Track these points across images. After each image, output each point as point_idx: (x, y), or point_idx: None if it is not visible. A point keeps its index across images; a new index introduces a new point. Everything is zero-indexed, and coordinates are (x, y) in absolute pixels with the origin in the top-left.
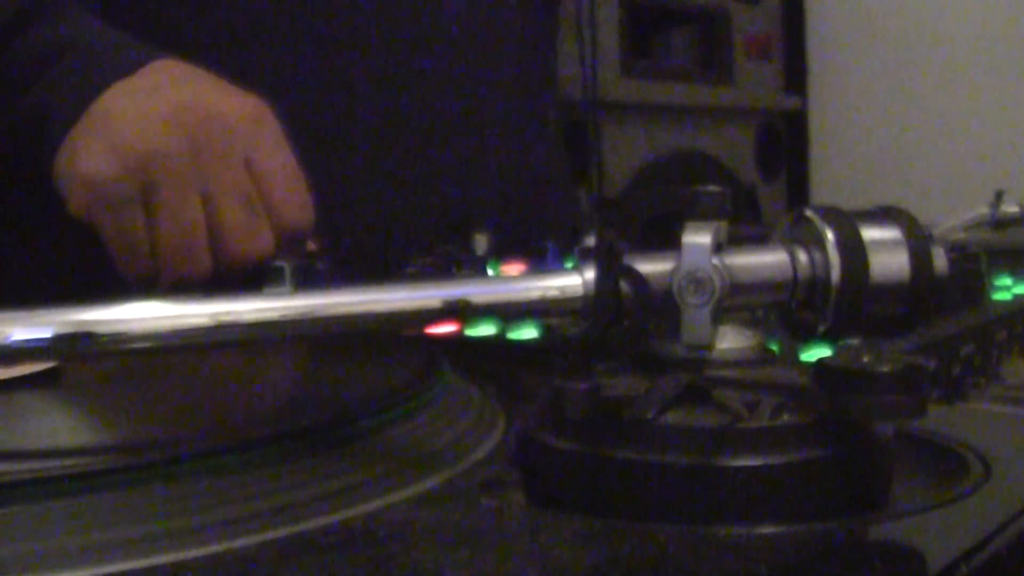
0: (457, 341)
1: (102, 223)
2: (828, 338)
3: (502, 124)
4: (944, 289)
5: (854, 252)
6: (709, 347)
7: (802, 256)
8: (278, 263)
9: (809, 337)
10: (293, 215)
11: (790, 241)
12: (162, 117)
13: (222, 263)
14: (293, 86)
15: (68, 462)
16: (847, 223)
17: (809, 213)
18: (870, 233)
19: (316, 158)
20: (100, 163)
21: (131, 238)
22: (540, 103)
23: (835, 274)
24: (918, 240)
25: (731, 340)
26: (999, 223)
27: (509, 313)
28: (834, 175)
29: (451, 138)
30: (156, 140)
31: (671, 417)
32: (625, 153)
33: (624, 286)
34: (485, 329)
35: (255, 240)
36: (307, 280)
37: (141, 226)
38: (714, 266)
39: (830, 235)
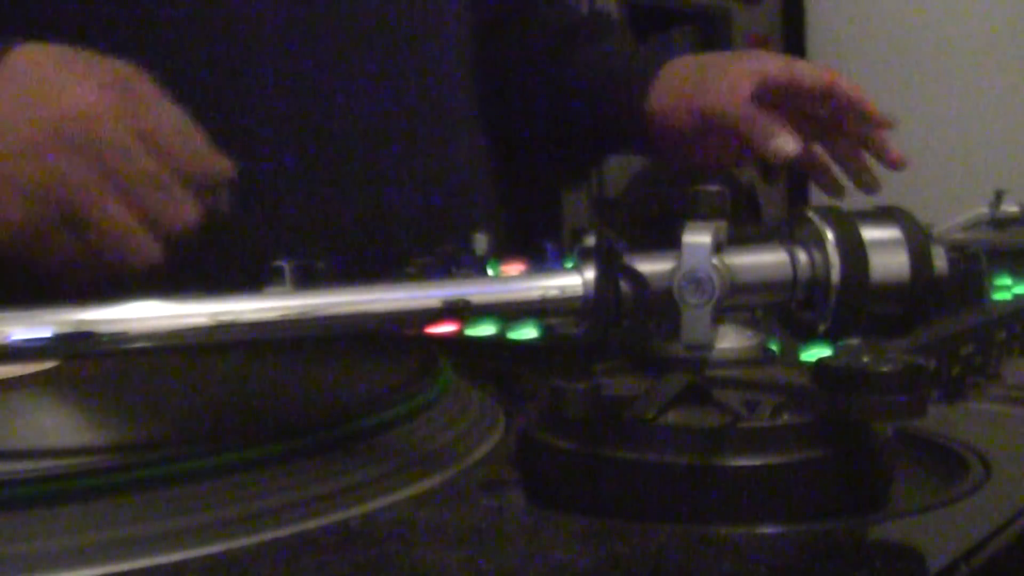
0: (457, 341)
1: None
2: (828, 338)
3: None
4: (944, 289)
5: (854, 252)
6: (709, 347)
7: (802, 256)
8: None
9: (809, 337)
10: (195, 164)
11: (790, 241)
12: (38, 145)
13: (160, 237)
14: (292, 85)
15: (68, 462)
16: (847, 223)
17: (809, 213)
18: (870, 233)
19: (316, 158)
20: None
21: (67, 255)
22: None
23: (835, 274)
24: (918, 240)
25: (731, 340)
26: (999, 223)
27: (509, 313)
28: None
29: (452, 138)
30: (50, 171)
31: (671, 417)
32: None
33: (624, 286)
34: (485, 329)
35: (175, 206)
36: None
37: (75, 245)
38: (714, 266)
39: (830, 235)
